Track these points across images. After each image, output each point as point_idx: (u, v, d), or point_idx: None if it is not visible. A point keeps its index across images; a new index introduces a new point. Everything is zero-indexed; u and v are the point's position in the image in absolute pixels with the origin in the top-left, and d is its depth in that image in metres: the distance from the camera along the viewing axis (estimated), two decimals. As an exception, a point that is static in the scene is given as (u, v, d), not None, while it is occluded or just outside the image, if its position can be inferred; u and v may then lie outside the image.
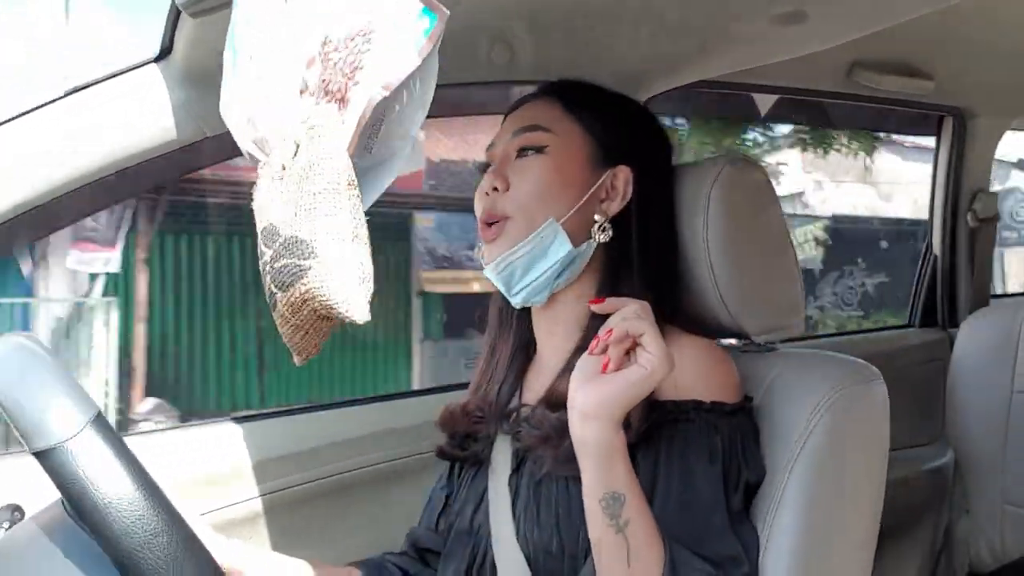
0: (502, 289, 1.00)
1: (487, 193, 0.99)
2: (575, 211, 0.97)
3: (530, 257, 0.96)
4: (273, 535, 1.24)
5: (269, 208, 0.76)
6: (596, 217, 0.98)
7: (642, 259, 0.98)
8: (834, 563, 0.92)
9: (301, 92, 0.75)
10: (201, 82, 1.02)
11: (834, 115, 2.42)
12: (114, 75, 1.02)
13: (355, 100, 0.72)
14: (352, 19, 0.72)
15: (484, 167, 1.04)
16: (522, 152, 0.99)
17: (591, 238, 0.98)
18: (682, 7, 1.11)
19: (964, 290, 2.12)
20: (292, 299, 0.74)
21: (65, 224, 1.06)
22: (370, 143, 0.77)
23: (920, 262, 2.16)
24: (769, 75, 1.66)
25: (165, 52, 1.02)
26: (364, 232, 0.74)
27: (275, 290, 0.75)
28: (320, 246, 0.72)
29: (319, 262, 0.72)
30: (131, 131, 1.02)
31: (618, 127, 1.02)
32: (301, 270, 0.72)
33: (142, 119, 1.02)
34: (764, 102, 2.17)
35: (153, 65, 1.03)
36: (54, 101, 1.00)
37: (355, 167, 0.75)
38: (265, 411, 1.34)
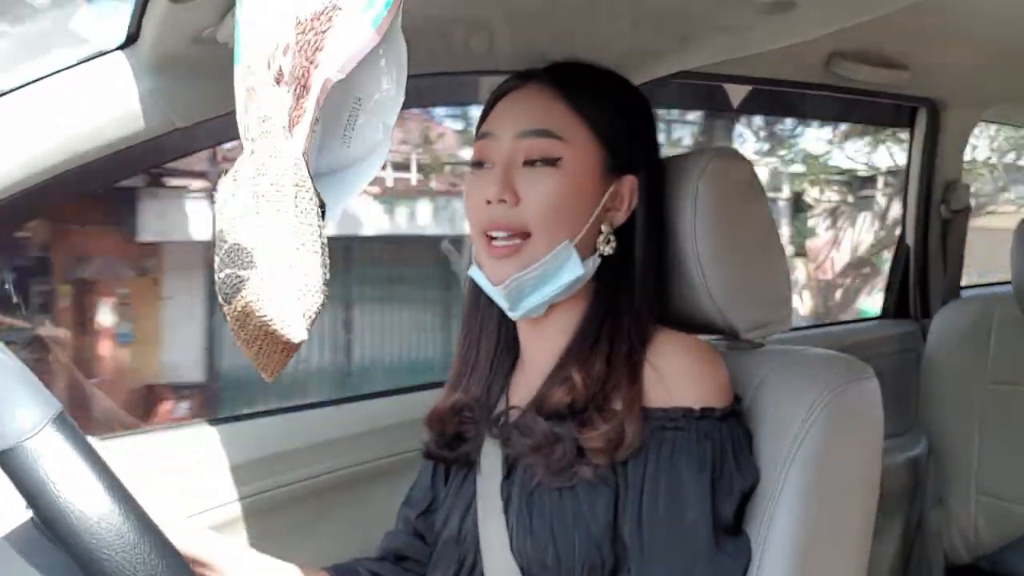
0: (504, 305, 0.94)
1: (489, 202, 0.91)
2: (587, 228, 0.92)
3: (542, 278, 0.91)
4: (251, 539, 1.19)
5: (222, 210, 0.70)
6: (602, 228, 0.94)
7: (643, 268, 0.95)
8: (832, 562, 0.91)
9: (278, 81, 0.70)
10: (171, 70, 0.97)
11: (805, 107, 2.43)
12: (76, 64, 0.97)
13: (314, 85, 0.67)
14: None
15: (476, 162, 0.96)
16: (530, 161, 0.92)
17: (596, 250, 0.94)
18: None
19: (936, 281, 2.13)
20: (236, 312, 0.67)
21: (22, 224, 1.01)
22: (347, 135, 0.72)
23: (893, 253, 2.17)
24: (747, 66, 1.65)
25: (132, 39, 0.97)
26: (313, 240, 0.68)
27: (221, 302, 0.69)
28: (259, 255, 0.66)
29: (256, 273, 0.66)
30: (95, 123, 0.96)
31: (628, 132, 0.97)
32: (241, 281, 0.66)
33: (107, 110, 0.97)
34: (736, 94, 2.17)
35: (119, 52, 0.98)
36: (8, 92, 0.94)
37: (323, 165, 0.70)
38: (241, 413, 1.30)
